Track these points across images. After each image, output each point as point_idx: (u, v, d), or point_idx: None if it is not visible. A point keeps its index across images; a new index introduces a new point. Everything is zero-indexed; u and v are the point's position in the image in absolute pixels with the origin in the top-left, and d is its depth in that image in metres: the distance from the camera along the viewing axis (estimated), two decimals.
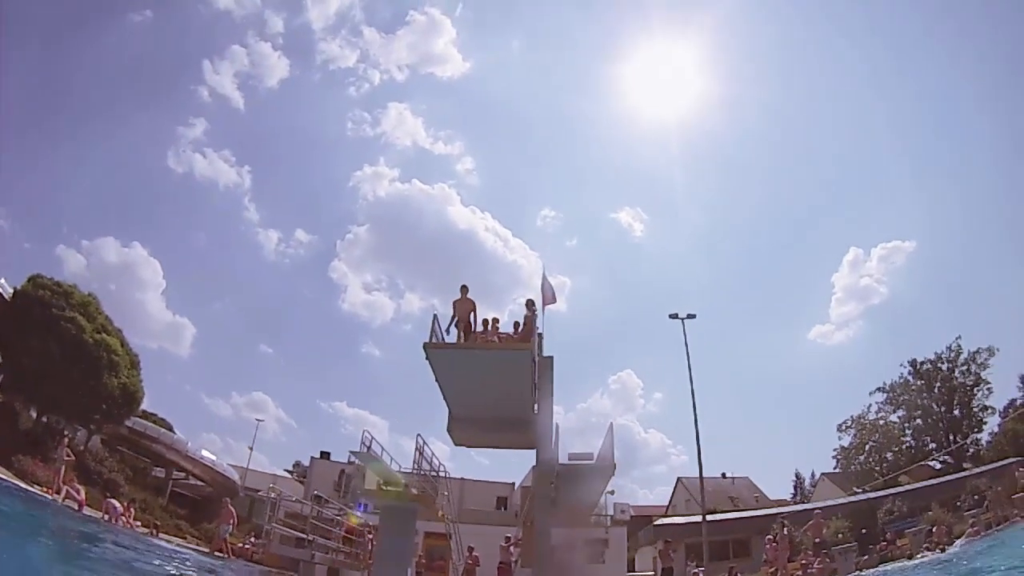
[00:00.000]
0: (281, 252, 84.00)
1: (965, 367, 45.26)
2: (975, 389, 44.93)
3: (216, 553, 17.24)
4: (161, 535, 19.35)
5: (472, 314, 13.74)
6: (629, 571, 24.29)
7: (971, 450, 43.77)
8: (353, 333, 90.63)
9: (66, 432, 22.03)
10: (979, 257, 66.92)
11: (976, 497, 22.18)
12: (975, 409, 44.92)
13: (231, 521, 18.08)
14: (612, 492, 25.83)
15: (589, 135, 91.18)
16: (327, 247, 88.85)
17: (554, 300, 15.23)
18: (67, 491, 16.31)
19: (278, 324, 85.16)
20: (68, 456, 17.47)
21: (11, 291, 21.11)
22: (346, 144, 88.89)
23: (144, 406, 27.00)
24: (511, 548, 16.29)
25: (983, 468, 28.97)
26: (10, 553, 4.68)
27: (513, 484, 34.15)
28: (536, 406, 14.42)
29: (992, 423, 44.09)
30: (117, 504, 17.87)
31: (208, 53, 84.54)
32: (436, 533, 18.73)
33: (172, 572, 8.14)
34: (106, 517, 16.51)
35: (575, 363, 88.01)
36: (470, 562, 16.67)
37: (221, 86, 77.69)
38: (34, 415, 22.05)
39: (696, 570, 19.72)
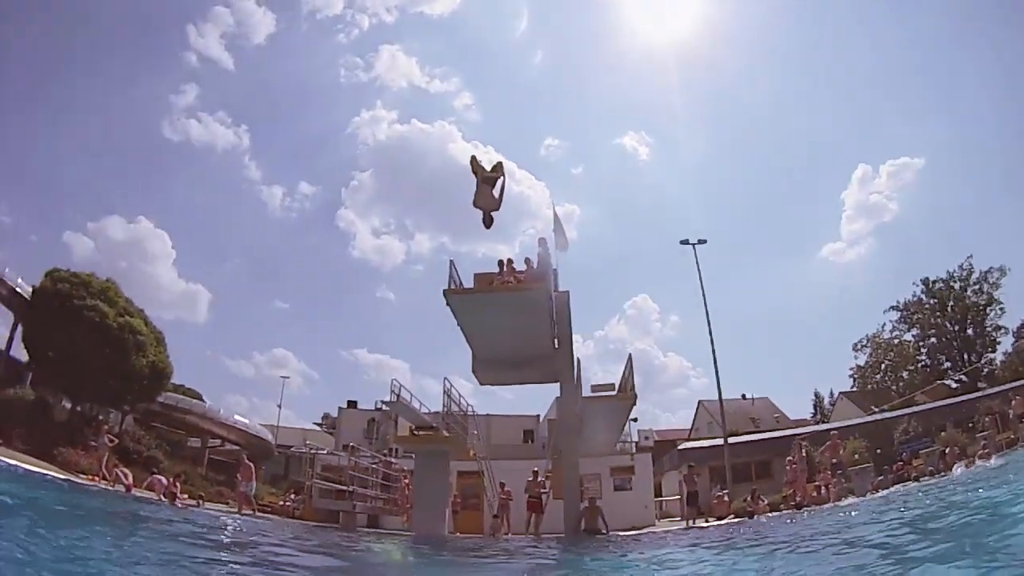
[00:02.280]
0: (286, 207, 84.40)
1: (977, 287, 45.46)
2: (987, 309, 45.22)
3: (242, 512, 17.74)
4: (206, 504, 20.07)
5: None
6: (656, 496, 25.02)
7: (986, 370, 44.27)
8: (366, 279, 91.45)
9: (100, 417, 22.73)
10: (988, 176, 66.11)
11: (987, 419, 22.51)
12: (988, 329, 45.32)
13: (251, 477, 18.56)
14: (635, 419, 26.53)
15: (587, 61, 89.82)
16: (332, 196, 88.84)
17: (566, 247, 15.54)
18: (116, 474, 16.81)
19: (291, 278, 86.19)
20: (111, 441, 17.99)
21: (30, 290, 21.59)
22: (341, 92, 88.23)
23: (172, 379, 27.74)
24: (542, 481, 16.94)
25: (997, 389, 29.21)
26: (74, 543, 5.03)
27: (538, 416, 34.33)
28: (556, 341, 14.95)
29: (1006, 343, 44.59)
30: (163, 478, 18.52)
31: (191, 17, 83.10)
32: (468, 472, 19.42)
33: (225, 539, 8.61)
34: (158, 497, 17.09)
35: (590, 291, 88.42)
36: (503, 497, 17.31)
37: (208, 49, 76.96)
38: (68, 406, 22.66)
39: (720, 492, 20.39)
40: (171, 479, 19.06)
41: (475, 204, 11.28)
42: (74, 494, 12.18)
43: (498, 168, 11.42)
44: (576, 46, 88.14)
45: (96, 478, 16.64)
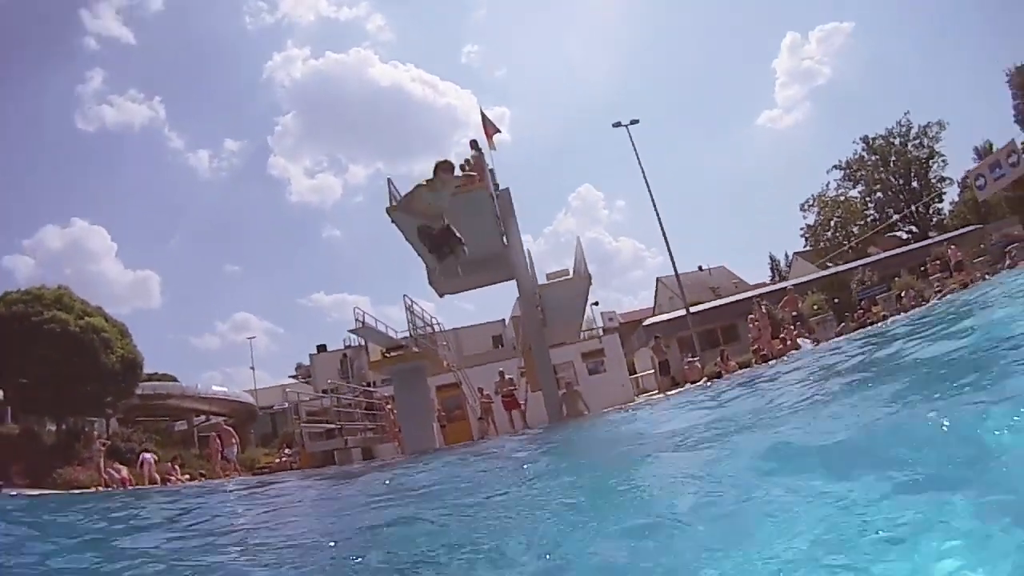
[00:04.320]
0: (216, 168, 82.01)
1: (917, 141, 46.83)
2: (930, 161, 46.71)
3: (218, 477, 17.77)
4: (206, 480, 20.21)
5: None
6: (631, 375, 25.88)
7: (935, 219, 46.11)
8: (309, 222, 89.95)
9: (86, 429, 22.56)
10: (918, 33, 66.86)
11: (938, 262, 23.39)
12: (933, 181, 46.83)
13: (232, 442, 18.71)
14: (596, 303, 27.20)
15: None
16: (259, 147, 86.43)
17: (498, 130, 15.63)
18: (109, 474, 16.72)
19: (235, 239, 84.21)
20: (103, 446, 17.92)
21: None
22: (249, 40, 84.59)
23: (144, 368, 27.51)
24: (512, 379, 17.57)
25: (947, 235, 30.39)
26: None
27: (503, 320, 34.81)
28: (505, 238, 15.19)
29: (952, 193, 46.20)
30: (149, 455, 18.58)
31: (81, 1, 78.90)
32: (447, 385, 19.90)
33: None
34: (147, 479, 17.13)
35: (532, 189, 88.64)
36: (484, 401, 17.87)
37: (106, 29, 73.06)
38: (53, 428, 22.45)
39: (691, 359, 21.22)
40: (169, 463, 19.23)
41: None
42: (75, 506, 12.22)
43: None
44: None
45: (99, 488, 16.44)
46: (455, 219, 14.20)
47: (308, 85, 77.91)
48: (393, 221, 14.30)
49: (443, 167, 7.99)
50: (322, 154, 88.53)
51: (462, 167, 14.88)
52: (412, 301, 16.35)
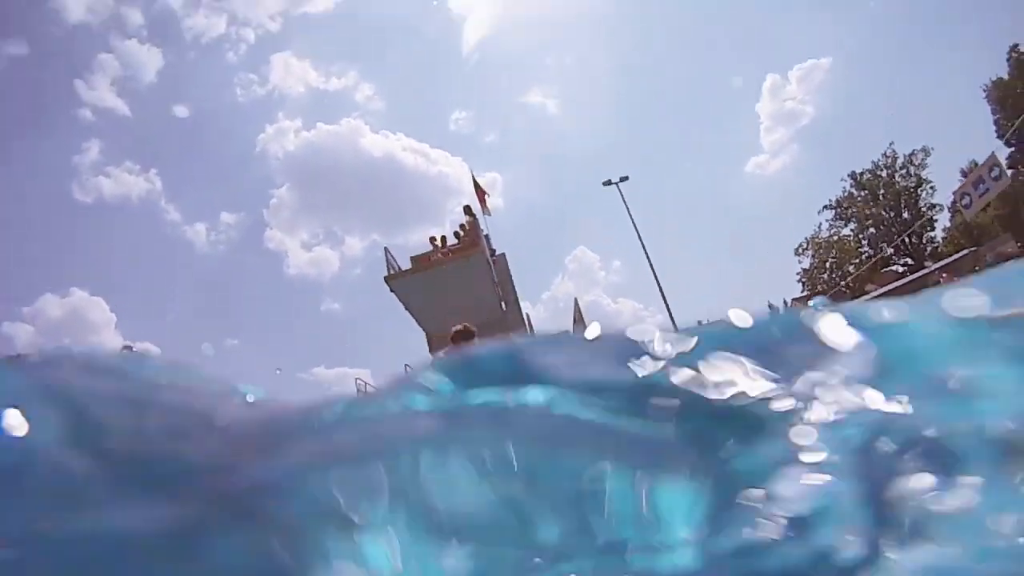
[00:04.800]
0: (213, 241, 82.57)
1: (904, 170, 46.92)
2: (919, 190, 46.67)
3: None
4: None
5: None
6: None
7: (928, 249, 45.93)
8: (308, 295, 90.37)
9: None
10: (896, 61, 68.05)
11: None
12: (923, 209, 46.58)
13: None
14: None
15: (477, 23, 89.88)
16: (255, 220, 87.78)
17: (487, 194, 15.69)
18: None
19: (234, 313, 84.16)
20: None
21: None
22: (241, 111, 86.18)
23: None
24: None
25: (941, 263, 30.27)
26: None
27: None
28: (503, 303, 15.08)
29: (943, 219, 46.13)
30: None
31: (77, 72, 79.93)
32: None
33: None
34: None
35: (528, 255, 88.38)
36: None
37: (101, 100, 73.99)
38: None
39: None
40: None
41: None
42: None
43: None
44: (463, 9, 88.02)
45: None
46: (456, 286, 14.27)
47: (301, 157, 79.06)
48: (392, 290, 14.25)
49: (463, 336, 5.96)
50: (318, 227, 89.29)
51: (456, 234, 15.05)
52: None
